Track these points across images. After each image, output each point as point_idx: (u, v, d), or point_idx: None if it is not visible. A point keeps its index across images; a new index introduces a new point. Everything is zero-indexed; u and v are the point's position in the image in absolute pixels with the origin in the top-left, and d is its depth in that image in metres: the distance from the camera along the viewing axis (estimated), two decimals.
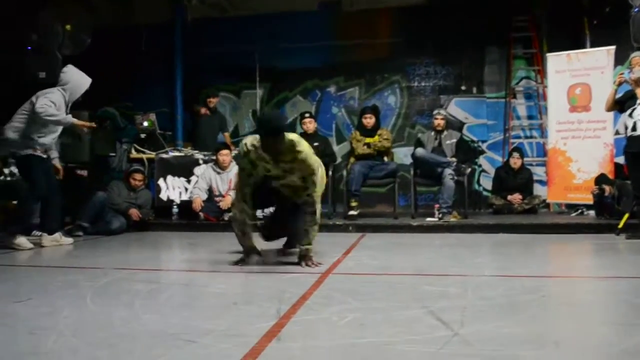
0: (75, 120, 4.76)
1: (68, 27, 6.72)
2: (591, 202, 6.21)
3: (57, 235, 4.89)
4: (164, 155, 6.80)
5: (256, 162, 3.48)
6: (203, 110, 7.42)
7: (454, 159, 6.27)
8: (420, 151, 6.45)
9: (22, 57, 6.44)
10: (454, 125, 7.98)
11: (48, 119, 4.52)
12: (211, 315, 2.31)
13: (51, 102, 4.53)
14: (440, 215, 5.99)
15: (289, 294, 2.64)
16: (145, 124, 7.13)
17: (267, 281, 3.08)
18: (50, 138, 4.76)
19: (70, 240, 5.03)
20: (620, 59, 7.15)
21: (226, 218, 6.04)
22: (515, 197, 7.06)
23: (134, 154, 6.99)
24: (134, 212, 5.97)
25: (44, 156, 4.77)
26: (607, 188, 5.89)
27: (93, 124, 5.19)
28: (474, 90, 8.56)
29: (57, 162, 5.08)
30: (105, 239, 5.43)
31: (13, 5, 7.90)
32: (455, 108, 8.50)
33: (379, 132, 6.61)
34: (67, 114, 4.70)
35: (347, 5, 8.73)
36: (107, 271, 3.40)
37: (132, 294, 2.68)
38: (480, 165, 8.41)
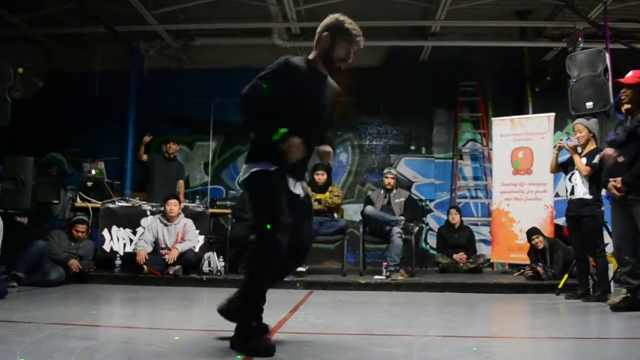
0: None
1: (20, 70, 6.60)
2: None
3: None
4: (111, 205, 6.62)
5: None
6: (147, 139, 7.40)
7: (402, 218, 6.38)
8: (369, 209, 6.55)
9: None
10: (403, 184, 8.17)
11: None
12: None
13: None
14: (387, 274, 6.02)
15: (234, 353, 2.56)
16: (93, 172, 6.97)
17: (208, 340, 2.99)
18: None
19: None
20: (560, 125, 7.56)
21: (171, 272, 5.89)
22: (461, 257, 7.19)
23: (78, 203, 6.77)
24: (74, 263, 5.74)
25: None
26: (538, 240, 6.06)
27: None
28: (423, 150, 8.84)
29: None
30: (41, 291, 5.17)
31: None
32: (404, 167, 8.73)
33: (330, 188, 6.69)
34: None
35: None
36: (40, 326, 3.22)
37: (66, 353, 2.54)
38: (427, 224, 8.58)
